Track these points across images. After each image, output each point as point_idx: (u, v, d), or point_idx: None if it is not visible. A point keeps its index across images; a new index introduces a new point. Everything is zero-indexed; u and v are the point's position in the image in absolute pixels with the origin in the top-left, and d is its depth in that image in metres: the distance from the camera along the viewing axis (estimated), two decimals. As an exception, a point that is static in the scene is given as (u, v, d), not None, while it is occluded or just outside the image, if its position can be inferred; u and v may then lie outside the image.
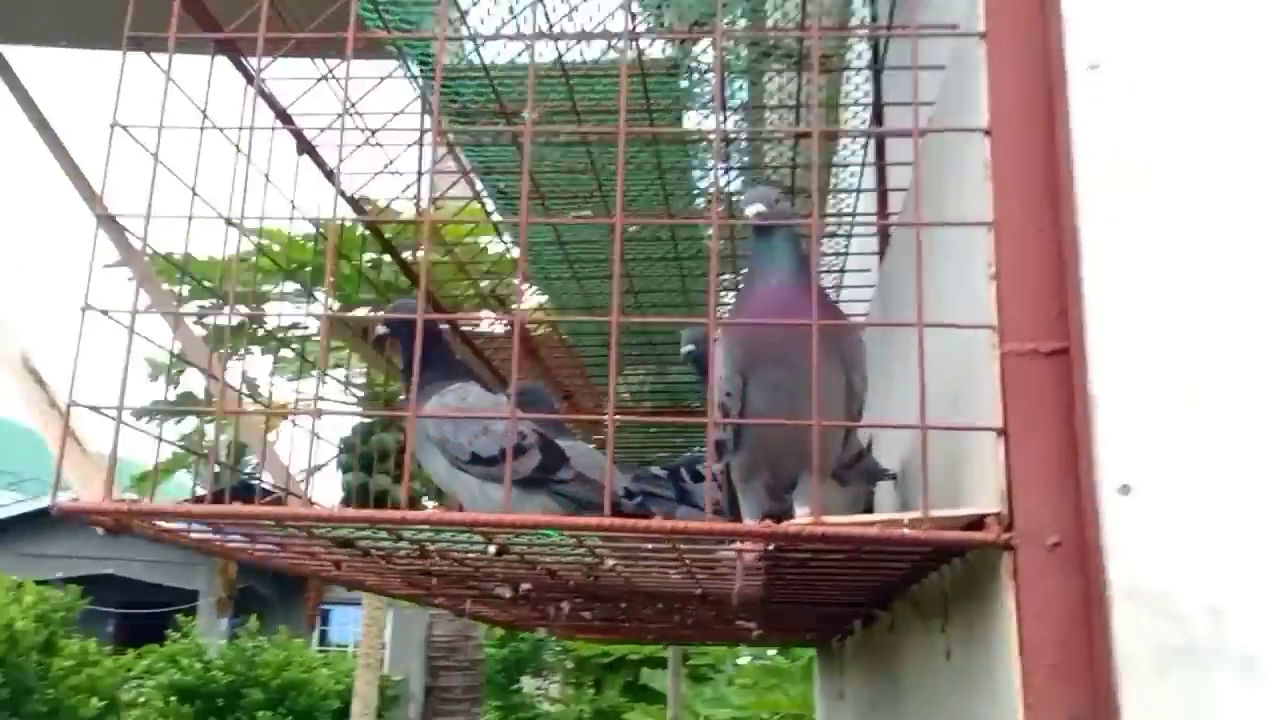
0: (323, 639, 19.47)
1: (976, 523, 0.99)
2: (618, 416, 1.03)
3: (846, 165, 2.68)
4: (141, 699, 11.52)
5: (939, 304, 1.18)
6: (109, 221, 1.43)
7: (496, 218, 2.93)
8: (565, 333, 3.50)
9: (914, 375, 1.08)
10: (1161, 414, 0.91)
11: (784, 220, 1.25)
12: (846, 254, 2.85)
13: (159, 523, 1.05)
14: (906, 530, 0.95)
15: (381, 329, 1.79)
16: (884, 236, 2.36)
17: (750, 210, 1.24)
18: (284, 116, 1.97)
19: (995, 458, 0.98)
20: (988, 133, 1.04)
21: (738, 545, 1.18)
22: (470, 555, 1.28)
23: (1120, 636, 0.87)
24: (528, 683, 15.25)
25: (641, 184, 2.48)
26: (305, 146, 2.03)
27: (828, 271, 2.90)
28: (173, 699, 11.49)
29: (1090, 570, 0.91)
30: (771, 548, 1.14)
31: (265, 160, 1.38)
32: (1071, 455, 0.95)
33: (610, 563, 1.32)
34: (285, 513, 1.08)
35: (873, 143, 2.44)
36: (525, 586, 1.71)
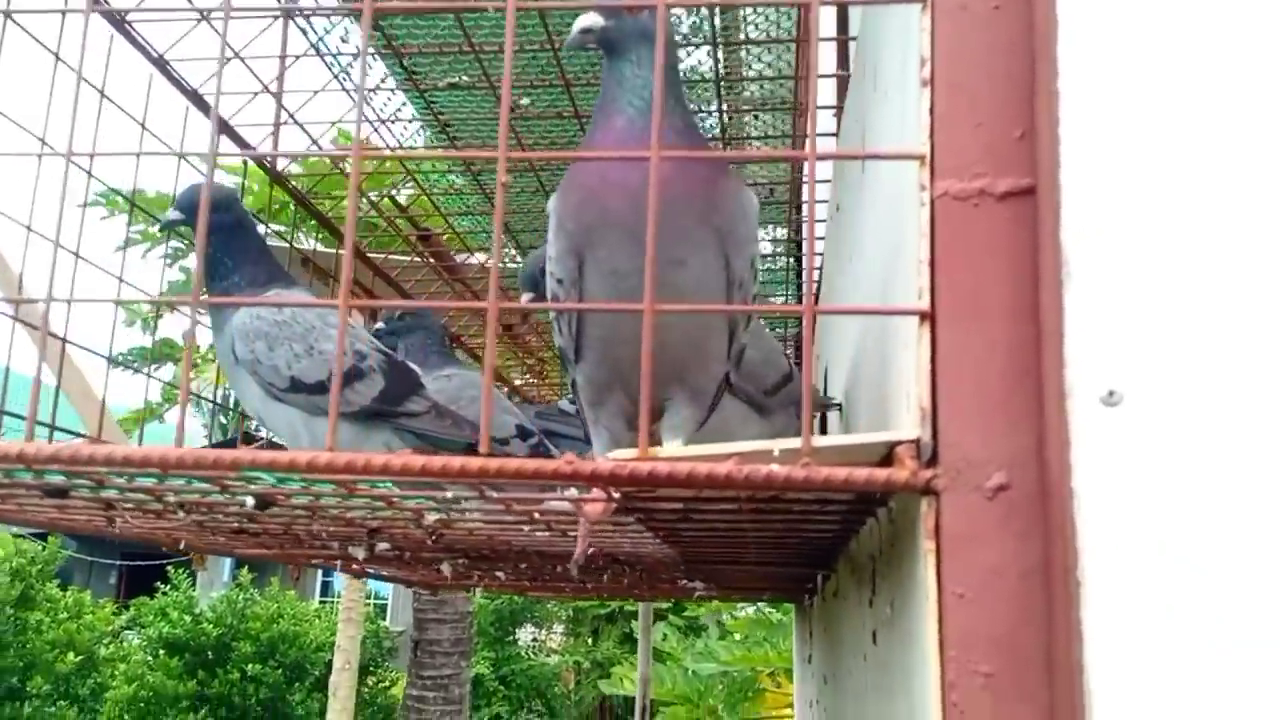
0: (325, 590, 19.30)
1: (889, 456, 0.66)
2: (502, 305, 0.69)
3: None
4: (124, 654, 11.37)
5: (881, 138, 0.84)
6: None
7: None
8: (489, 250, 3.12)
9: (869, 247, 0.75)
10: (1173, 283, 0.58)
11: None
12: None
13: None
14: (774, 468, 0.62)
15: (173, 214, 1.44)
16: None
17: (580, 24, 0.88)
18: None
19: (918, 358, 0.64)
20: None
21: (574, 494, 0.85)
22: (230, 508, 0.96)
23: (1096, 632, 0.54)
24: (526, 634, 15.09)
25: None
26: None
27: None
28: (161, 653, 11.32)
29: (1053, 527, 0.58)
30: (618, 495, 0.81)
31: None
32: (1031, 348, 0.61)
33: (432, 518, 1.00)
34: None
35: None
36: (383, 546, 1.39)
